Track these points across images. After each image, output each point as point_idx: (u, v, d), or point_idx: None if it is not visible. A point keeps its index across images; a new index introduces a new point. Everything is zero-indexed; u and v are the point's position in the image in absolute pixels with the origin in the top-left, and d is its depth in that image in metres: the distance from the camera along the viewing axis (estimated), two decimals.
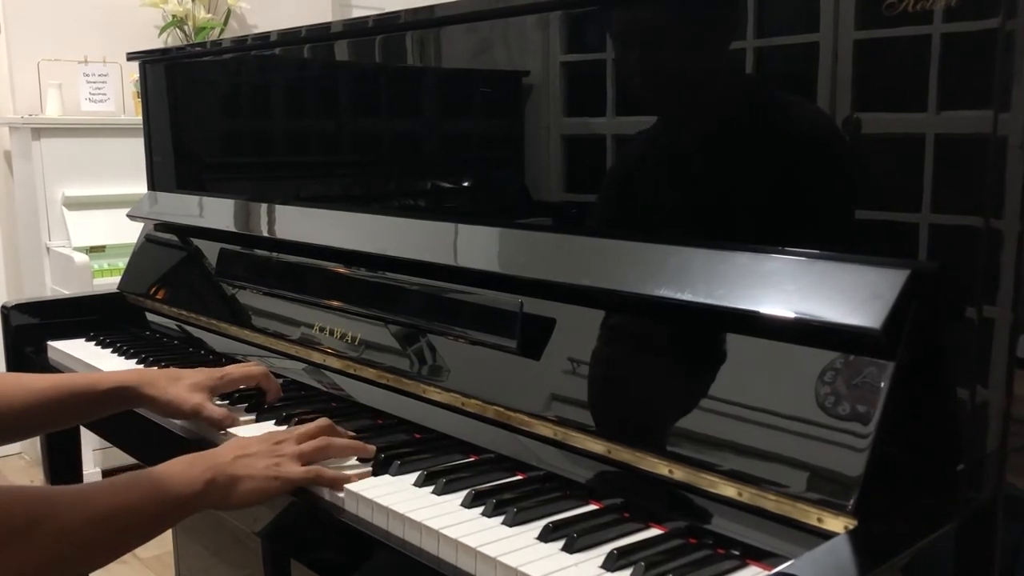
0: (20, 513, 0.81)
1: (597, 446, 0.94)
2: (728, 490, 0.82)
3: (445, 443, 1.08)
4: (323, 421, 1.06)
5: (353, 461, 1.03)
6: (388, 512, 0.90)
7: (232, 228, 1.59)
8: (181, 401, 1.16)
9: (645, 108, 1.04)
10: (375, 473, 0.99)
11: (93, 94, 3.31)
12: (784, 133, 0.90)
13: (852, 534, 0.73)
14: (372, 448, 1.03)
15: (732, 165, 0.94)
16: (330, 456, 1.02)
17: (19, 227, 3.29)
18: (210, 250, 1.62)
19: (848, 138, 0.83)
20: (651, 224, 1.03)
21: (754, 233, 0.90)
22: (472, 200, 1.27)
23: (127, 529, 0.89)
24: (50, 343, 1.64)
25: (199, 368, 1.24)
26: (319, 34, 1.47)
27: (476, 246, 1.16)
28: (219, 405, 1.18)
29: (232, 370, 1.23)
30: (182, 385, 1.17)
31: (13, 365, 1.67)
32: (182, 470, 0.94)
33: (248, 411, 1.20)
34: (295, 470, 0.97)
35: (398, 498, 0.92)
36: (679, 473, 0.86)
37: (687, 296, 0.88)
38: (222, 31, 3.58)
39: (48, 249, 3.14)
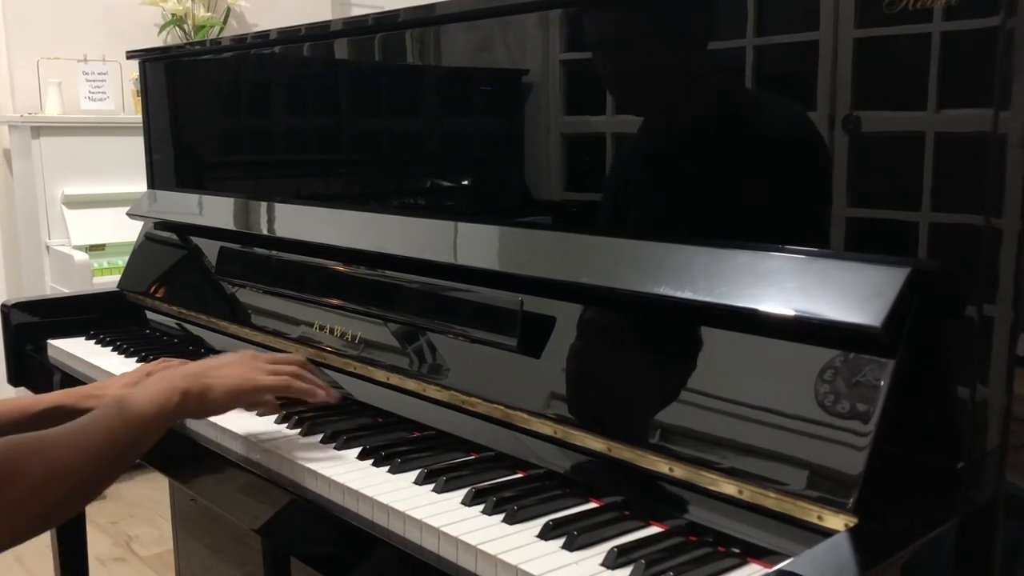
0: (20, 462, 0.86)
1: (597, 444, 0.94)
2: (728, 488, 0.82)
3: (445, 441, 1.08)
4: (298, 356, 1.16)
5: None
6: (388, 510, 0.90)
7: (232, 226, 1.59)
8: None
9: (637, 108, 1.04)
10: (375, 465, 1.00)
11: (93, 92, 3.31)
12: (781, 131, 0.90)
13: (852, 532, 0.73)
14: (337, 394, 1.14)
15: (731, 164, 0.94)
16: (298, 384, 1.10)
17: (19, 226, 3.29)
18: (210, 248, 1.62)
19: (848, 136, 0.83)
20: (651, 222, 1.03)
21: (754, 231, 0.90)
22: (472, 198, 1.27)
23: (120, 455, 0.95)
24: (50, 341, 1.64)
25: (124, 372, 1.29)
26: (319, 32, 1.47)
27: (476, 244, 1.16)
28: None
29: (155, 367, 1.27)
30: (117, 386, 1.21)
31: (13, 364, 1.67)
32: (157, 386, 1.01)
33: None
34: (267, 376, 1.07)
35: (398, 496, 0.92)
36: (679, 471, 0.86)
37: (687, 294, 0.88)
38: (222, 30, 3.58)
39: (48, 248, 3.14)
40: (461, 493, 0.91)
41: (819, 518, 0.76)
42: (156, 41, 3.43)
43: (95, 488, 0.95)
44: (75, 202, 3.14)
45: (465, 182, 1.28)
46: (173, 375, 1.04)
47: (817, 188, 0.87)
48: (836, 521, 0.75)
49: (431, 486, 0.94)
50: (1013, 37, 0.72)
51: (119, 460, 0.95)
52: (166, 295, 1.70)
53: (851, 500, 0.74)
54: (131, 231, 1.95)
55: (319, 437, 1.09)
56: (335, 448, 1.06)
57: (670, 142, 1.01)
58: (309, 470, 1.00)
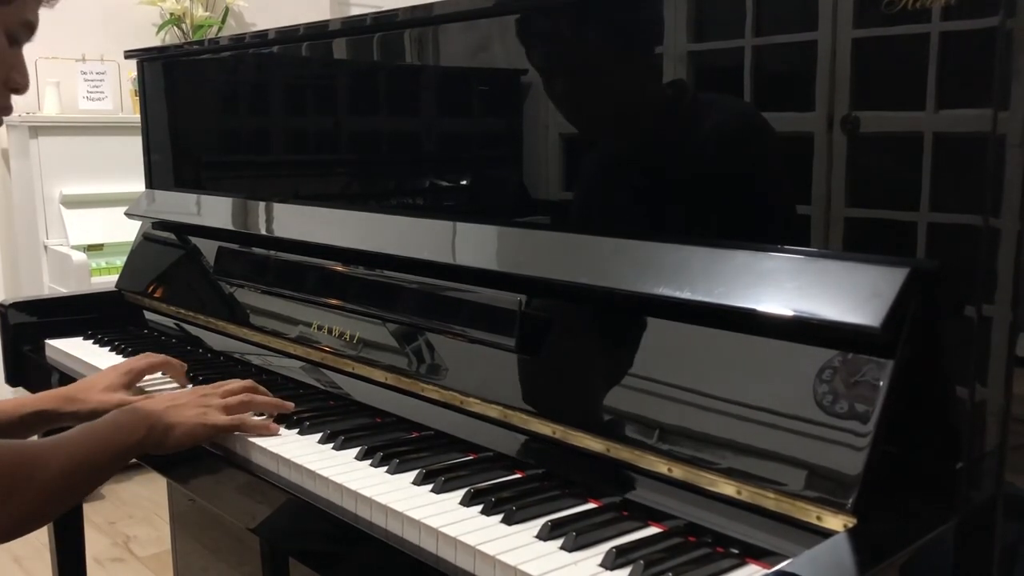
0: (16, 468, 0.94)
1: (596, 444, 0.94)
2: (727, 488, 0.82)
3: (443, 441, 1.08)
4: (247, 381, 1.19)
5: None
6: (387, 510, 0.90)
7: (230, 226, 1.59)
8: (104, 406, 1.20)
9: (623, 111, 1.04)
10: (373, 465, 0.99)
11: (91, 92, 3.31)
12: (778, 133, 0.90)
13: (851, 533, 0.73)
14: (291, 405, 1.16)
15: (730, 163, 0.94)
16: (252, 410, 1.14)
17: (17, 225, 3.29)
18: (208, 248, 1.62)
19: (846, 136, 0.83)
20: (650, 223, 1.03)
21: (753, 231, 0.90)
22: (470, 198, 1.26)
23: (94, 472, 1.02)
24: (48, 341, 1.64)
25: (103, 371, 1.32)
26: (317, 32, 1.46)
27: (474, 244, 1.16)
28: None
29: (134, 363, 1.31)
30: (98, 391, 1.24)
31: (11, 364, 1.67)
32: (127, 420, 1.06)
33: None
34: (221, 418, 1.11)
35: (396, 496, 0.92)
36: (678, 471, 0.86)
37: (686, 294, 0.88)
38: (220, 29, 3.57)
39: (46, 247, 3.14)
40: (459, 493, 0.91)
41: (818, 519, 0.76)
42: (154, 41, 3.43)
43: (57, 508, 1.01)
44: (73, 202, 3.14)
45: (463, 182, 1.28)
46: (137, 411, 1.08)
47: (816, 187, 0.87)
48: (835, 522, 0.75)
49: (429, 486, 0.94)
50: (1012, 37, 0.72)
51: (85, 484, 1.03)
52: (164, 295, 1.70)
53: (850, 500, 0.74)
54: (129, 231, 1.94)
55: (317, 437, 1.09)
56: (333, 448, 1.06)
57: (666, 143, 1.01)
58: (307, 470, 1.00)
